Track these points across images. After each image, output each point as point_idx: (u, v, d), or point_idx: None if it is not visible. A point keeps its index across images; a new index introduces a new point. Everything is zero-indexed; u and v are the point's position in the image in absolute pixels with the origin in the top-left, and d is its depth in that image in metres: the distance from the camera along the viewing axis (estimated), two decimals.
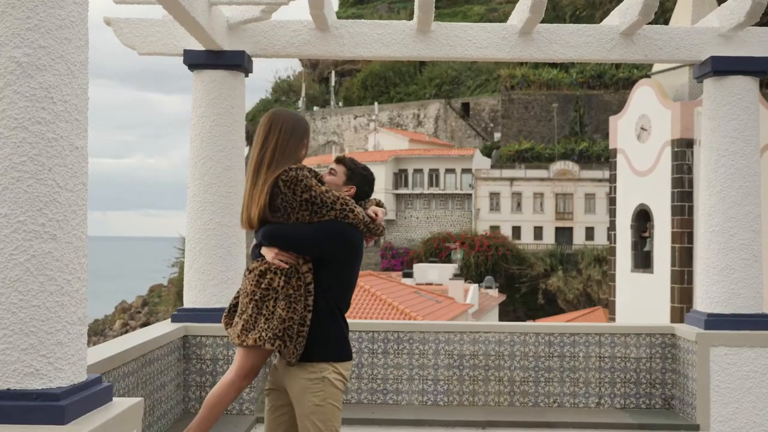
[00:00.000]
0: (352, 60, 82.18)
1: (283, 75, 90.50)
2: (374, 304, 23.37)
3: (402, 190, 59.58)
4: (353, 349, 6.24)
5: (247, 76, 6.20)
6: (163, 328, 5.64)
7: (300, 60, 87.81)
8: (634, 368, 6.22)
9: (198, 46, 5.86)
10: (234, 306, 3.77)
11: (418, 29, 5.94)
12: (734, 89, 5.90)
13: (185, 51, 5.93)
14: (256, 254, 3.70)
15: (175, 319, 5.90)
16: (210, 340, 5.84)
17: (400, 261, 52.56)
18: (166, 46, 6.03)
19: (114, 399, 3.03)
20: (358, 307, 22.82)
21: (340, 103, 79.02)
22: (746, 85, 5.91)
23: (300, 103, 79.82)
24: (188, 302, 5.96)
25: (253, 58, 6.17)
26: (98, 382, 2.94)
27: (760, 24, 5.97)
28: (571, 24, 6.15)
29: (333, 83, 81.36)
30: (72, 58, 2.74)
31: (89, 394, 2.80)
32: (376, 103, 71.88)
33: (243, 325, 3.59)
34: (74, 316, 2.74)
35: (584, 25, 6.03)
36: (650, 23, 5.91)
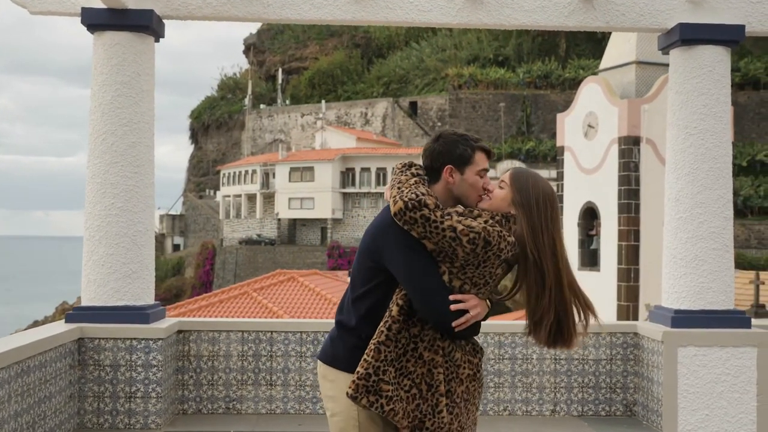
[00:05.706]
0: (299, 57, 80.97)
1: (230, 72, 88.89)
2: (319, 303, 22.61)
3: (349, 189, 58.97)
4: (280, 353, 5.51)
5: (157, 40, 5.43)
6: (53, 329, 4.82)
7: (246, 57, 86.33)
8: (592, 371, 5.60)
9: (99, 4, 5.08)
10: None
11: None
12: (704, 60, 5.31)
13: (83, 9, 5.15)
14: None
15: (69, 320, 5.09)
16: (110, 344, 5.04)
17: (347, 260, 51.74)
18: (61, 4, 5.23)
19: None
20: (301, 306, 22.09)
21: (287, 101, 77.84)
22: (717, 56, 5.33)
23: (246, 101, 78.37)
24: (86, 299, 5.16)
25: (164, 20, 5.40)
26: None
27: None
28: None
29: (280, 81, 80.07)
30: None
31: None
32: (323, 101, 70.96)
33: None
34: None
35: None
36: None
